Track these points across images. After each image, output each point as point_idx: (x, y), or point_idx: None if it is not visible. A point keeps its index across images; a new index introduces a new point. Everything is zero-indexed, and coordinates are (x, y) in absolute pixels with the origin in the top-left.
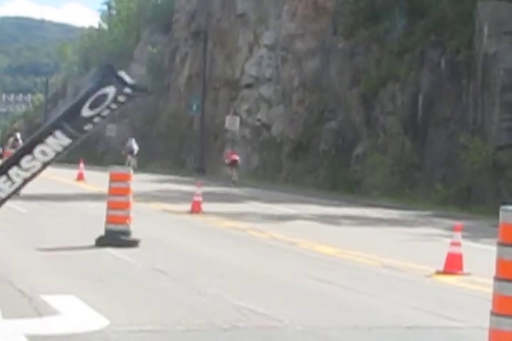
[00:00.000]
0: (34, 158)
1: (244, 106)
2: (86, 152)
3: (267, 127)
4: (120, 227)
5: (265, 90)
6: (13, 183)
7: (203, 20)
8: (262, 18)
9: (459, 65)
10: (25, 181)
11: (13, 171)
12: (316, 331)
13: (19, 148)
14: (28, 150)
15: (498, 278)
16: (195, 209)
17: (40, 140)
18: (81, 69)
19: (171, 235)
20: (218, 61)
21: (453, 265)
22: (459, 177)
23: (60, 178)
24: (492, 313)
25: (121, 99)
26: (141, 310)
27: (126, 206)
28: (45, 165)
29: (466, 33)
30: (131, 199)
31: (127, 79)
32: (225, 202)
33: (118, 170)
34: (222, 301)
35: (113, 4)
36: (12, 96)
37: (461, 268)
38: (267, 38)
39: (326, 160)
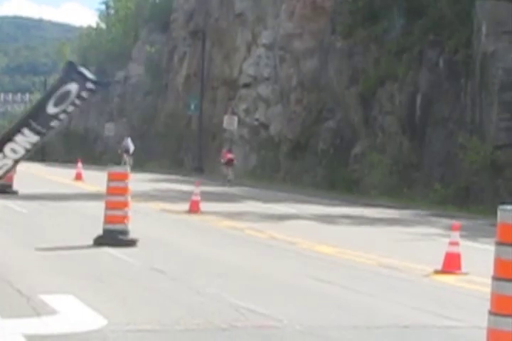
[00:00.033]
0: (5, 157)
1: (243, 106)
2: (84, 152)
3: (265, 126)
4: (118, 227)
5: (263, 90)
6: None
7: (201, 20)
8: (260, 17)
9: (457, 64)
10: None
11: None
12: (316, 331)
13: None
14: None
15: (496, 278)
16: (194, 209)
17: (9, 138)
18: None
19: (169, 235)
20: (216, 60)
21: (451, 264)
22: (457, 176)
23: (59, 178)
24: (490, 313)
25: (84, 94)
26: (139, 309)
27: (124, 205)
28: (16, 162)
29: (465, 33)
30: (129, 199)
31: (88, 74)
32: (223, 201)
33: (116, 169)
34: (221, 301)
35: (111, 4)
36: (10, 95)
37: (459, 267)
38: (265, 37)
39: (324, 159)
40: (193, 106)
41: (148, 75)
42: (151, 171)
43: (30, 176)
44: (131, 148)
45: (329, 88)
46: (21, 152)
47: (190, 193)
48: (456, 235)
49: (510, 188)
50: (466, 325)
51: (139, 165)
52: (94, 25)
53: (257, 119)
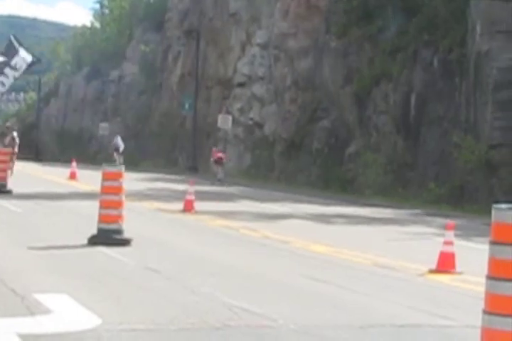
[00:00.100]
0: None
1: (237, 105)
2: (79, 151)
3: (260, 126)
4: (112, 226)
5: (258, 89)
6: None
7: (196, 19)
8: (255, 16)
9: (451, 63)
10: None
11: None
12: (310, 330)
13: None
14: None
15: (490, 277)
16: (188, 208)
17: None
18: (74, 68)
19: (163, 234)
20: (211, 60)
21: (445, 264)
22: (452, 176)
23: (53, 177)
24: (484, 312)
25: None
26: (133, 308)
27: (118, 205)
28: None
29: (459, 32)
30: (123, 198)
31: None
32: (217, 200)
33: (110, 168)
34: (215, 300)
35: (105, 3)
36: (4, 94)
37: (453, 266)
38: (260, 36)
39: (318, 158)
40: (187, 106)
41: (143, 74)
42: (146, 170)
43: (25, 176)
44: (121, 146)
45: (324, 87)
46: None
47: (185, 192)
48: (450, 234)
49: (505, 187)
50: (460, 324)
51: (133, 165)
52: (88, 24)
53: (251, 119)
